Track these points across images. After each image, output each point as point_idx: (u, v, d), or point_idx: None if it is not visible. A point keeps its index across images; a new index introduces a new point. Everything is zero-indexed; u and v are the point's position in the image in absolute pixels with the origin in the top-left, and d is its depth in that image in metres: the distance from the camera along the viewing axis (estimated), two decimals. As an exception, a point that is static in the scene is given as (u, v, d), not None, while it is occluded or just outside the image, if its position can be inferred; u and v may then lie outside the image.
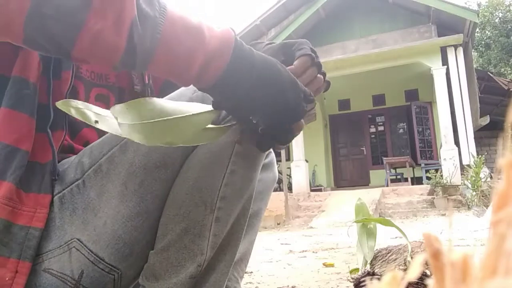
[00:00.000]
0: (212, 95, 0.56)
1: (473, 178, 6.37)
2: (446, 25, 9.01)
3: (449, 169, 7.74)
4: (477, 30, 16.37)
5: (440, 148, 8.54)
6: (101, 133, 0.74)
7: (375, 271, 1.14)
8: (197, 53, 0.50)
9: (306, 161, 9.53)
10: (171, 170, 0.67)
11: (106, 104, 0.84)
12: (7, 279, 0.63)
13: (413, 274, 0.17)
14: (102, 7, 0.46)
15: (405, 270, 0.18)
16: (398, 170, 9.71)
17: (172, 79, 0.53)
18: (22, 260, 0.64)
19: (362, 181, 11.05)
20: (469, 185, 6.45)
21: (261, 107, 0.55)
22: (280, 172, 9.42)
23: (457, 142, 8.22)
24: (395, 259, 1.20)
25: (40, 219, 0.66)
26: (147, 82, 0.92)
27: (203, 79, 0.52)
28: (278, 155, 9.10)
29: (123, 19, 0.47)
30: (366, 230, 1.39)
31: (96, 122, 0.53)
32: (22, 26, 0.46)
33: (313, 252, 3.11)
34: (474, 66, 10.34)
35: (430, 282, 0.18)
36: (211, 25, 0.53)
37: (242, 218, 0.72)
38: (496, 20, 22.32)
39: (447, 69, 8.42)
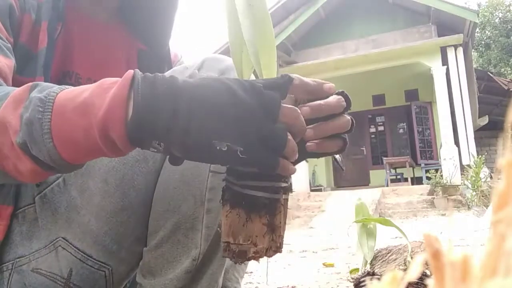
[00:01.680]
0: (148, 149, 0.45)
1: (473, 178, 6.37)
2: (446, 25, 9.01)
3: (449, 169, 7.73)
4: (477, 30, 16.37)
5: (440, 148, 8.54)
6: None
7: (375, 271, 1.14)
8: (92, 132, 0.44)
9: (306, 161, 9.52)
10: (152, 162, 0.66)
11: None
12: None
13: (413, 274, 0.17)
14: None
15: (405, 270, 0.18)
16: (398, 170, 9.71)
17: (90, 159, 0.50)
18: None
19: (362, 181, 11.05)
20: (469, 185, 6.45)
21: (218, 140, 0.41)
22: (280, 172, 9.41)
23: (457, 142, 8.22)
24: (395, 259, 1.20)
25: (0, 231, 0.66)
26: None
27: (117, 148, 0.45)
28: (278, 155, 9.09)
29: (13, 146, 0.47)
30: (366, 230, 1.39)
31: None
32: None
33: (313, 252, 3.11)
34: (474, 66, 10.34)
35: (430, 282, 0.18)
36: (110, 83, 0.45)
37: None
38: (496, 20, 22.32)
39: (447, 69, 8.42)
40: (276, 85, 0.46)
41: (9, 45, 0.67)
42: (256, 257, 0.46)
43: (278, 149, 0.43)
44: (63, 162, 0.46)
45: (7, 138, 0.47)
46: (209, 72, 0.65)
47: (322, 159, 11.53)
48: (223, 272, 0.74)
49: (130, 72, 0.44)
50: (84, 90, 0.46)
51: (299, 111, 0.46)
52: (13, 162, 0.48)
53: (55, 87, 0.47)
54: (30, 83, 0.49)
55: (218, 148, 0.41)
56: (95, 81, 0.77)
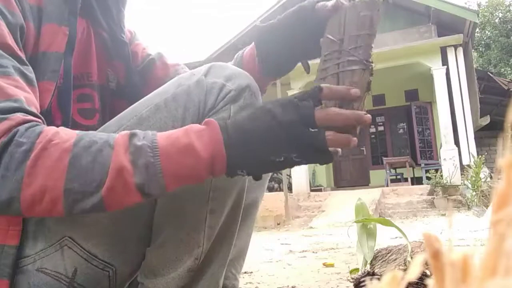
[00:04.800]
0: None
1: (473, 178, 6.36)
2: (446, 25, 9.01)
3: (449, 169, 7.73)
4: (477, 30, 16.36)
5: (440, 148, 8.53)
6: None
7: (375, 271, 1.14)
8: (198, 168, 0.57)
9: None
10: None
11: (91, 102, 0.83)
12: None
13: (413, 274, 0.17)
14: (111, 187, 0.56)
15: (405, 270, 0.18)
16: (398, 170, 9.70)
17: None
18: (0, 278, 0.64)
19: (362, 181, 11.04)
20: (469, 185, 6.44)
21: (276, 154, 0.58)
22: (280, 172, 9.42)
23: (457, 142, 8.21)
24: (395, 259, 1.20)
25: (14, 236, 0.66)
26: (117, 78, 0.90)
27: (216, 175, 0.59)
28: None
29: (130, 186, 0.56)
30: (366, 230, 1.39)
31: None
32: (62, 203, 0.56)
33: (313, 252, 3.11)
34: (474, 66, 10.34)
35: (430, 282, 0.18)
36: (196, 131, 0.58)
37: (236, 208, 0.72)
38: (496, 20, 22.32)
39: (447, 69, 8.42)
40: (308, 96, 0.59)
41: (30, 68, 0.66)
42: None
43: (322, 148, 0.57)
44: (165, 193, 0.58)
45: (122, 179, 0.56)
46: (215, 79, 0.67)
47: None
48: (224, 273, 0.75)
49: (215, 123, 0.58)
50: (179, 136, 0.57)
51: (330, 111, 0.58)
52: (120, 198, 0.57)
53: (151, 135, 0.58)
54: (128, 132, 0.58)
55: (277, 160, 0.57)
56: (88, 77, 0.79)
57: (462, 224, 4.28)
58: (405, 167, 9.13)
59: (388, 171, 9.23)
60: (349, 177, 11.37)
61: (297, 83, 9.45)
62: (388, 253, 1.27)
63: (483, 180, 6.37)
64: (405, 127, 11.23)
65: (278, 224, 6.80)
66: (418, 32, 9.40)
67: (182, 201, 0.68)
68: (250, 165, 0.58)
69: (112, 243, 0.68)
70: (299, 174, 9.09)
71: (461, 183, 7.12)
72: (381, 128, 11.58)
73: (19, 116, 0.58)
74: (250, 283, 1.95)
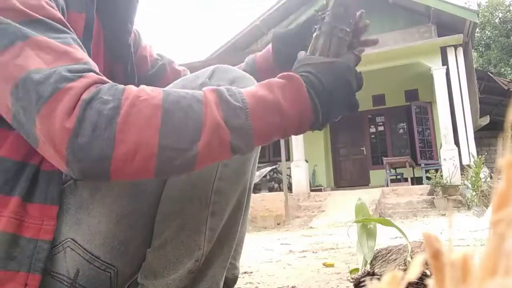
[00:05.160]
0: None
1: (473, 178, 6.36)
2: (446, 25, 9.01)
3: (449, 169, 7.73)
4: (477, 30, 16.36)
5: (440, 148, 8.53)
6: None
7: (375, 271, 1.14)
8: (285, 126, 0.60)
9: (306, 161, 9.52)
10: None
11: None
12: None
13: (413, 274, 0.17)
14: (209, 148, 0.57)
15: (405, 270, 0.18)
16: (398, 170, 9.70)
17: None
18: (32, 273, 0.63)
19: (362, 181, 11.04)
20: (469, 185, 6.44)
21: (339, 100, 0.65)
22: (280, 172, 9.42)
23: (457, 142, 8.21)
24: (395, 259, 1.20)
25: (48, 231, 0.65)
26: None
27: (300, 131, 0.63)
28: (278, 155, 9.10)
29: (225, 144, 0.57)
30: (366, 230, 1.39)
31: None
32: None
33: (313, 252, 3.11)
34: (474, 66, 10.33)
35: (430, 282, 0.18)
36: (280, 86, 0.60)
37: (237, 211, 0.73)
38: (496, 20, 22.31)
39: (447, 69, 8.42)
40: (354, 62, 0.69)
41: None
42: None
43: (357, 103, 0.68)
44: (252, 150, 0.62)
45: (218, 137, 0.56)
46: (219, 81, 0.68)
47: (322, 160, 11.50)
48: (224, 274, 0.75)
49: (298, 78, 0.61)
50: (264, 94, 0.59)
51: None
52: (214, 155, 0.58)
53: (237, 93, 0.59)
54: (214, 88, 0.59)
55: (345, 109, 0.66)
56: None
57: (462, 224, 4.28)
58: (405, 167, 9.13)
59: (388, 171, 9.23)
60: (349, 177, 11.36)
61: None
62: (388, 253, 1.27)
63: (483, 180, 6.37)
64: (405, 127, 11.23)
65: (278, 224, 6.80)
66: (418, 32, 9.40)
67: (183, 203, 0.68)
68: (328, 117, 0.64)
69: (115, 245, 0.68)
70: (299, 174, 9.09)
71: (461, 183, 7.12)
72: (381, 128, 11.58)
73: (94, 75, 0.56)
74: (250, 283, 1.95)
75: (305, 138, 9.48)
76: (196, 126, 0.55)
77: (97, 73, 0.58)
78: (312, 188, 9.73)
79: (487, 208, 5.51)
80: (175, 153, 0.54)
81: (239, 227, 0.75)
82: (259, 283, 1.95)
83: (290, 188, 8.62)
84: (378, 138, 11.61)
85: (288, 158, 9.90)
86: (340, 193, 8.46)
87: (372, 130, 11.65)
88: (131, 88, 0.57)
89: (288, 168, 9.09)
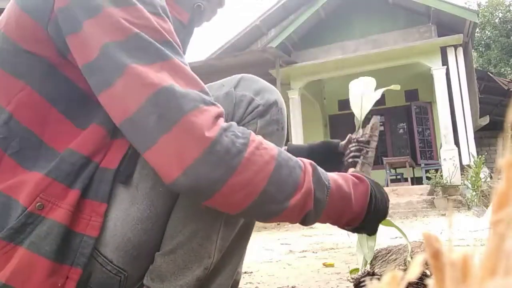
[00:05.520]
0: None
1: (473, 178, 6.36)
2: (446, 25, 9.01)
3: (449, 169, 7.73)
4: (477, 30, 16.36)
5: (440, 148, 8.53)
6: None
7: (375, 271, 1.14)
8: (345, 215, 0.69)
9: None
10: None
11: None
12: (59, 285, 0.62)
13: (413, 274, 0.17)
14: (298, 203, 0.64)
15: (405, 270, 0.18)
16: (398, 170, 9.69)
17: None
18: (74, 266, 0.64)
19: (362, 181, 11.03)
20: (469, 185, 6.44)
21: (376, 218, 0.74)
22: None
23: (457, 142, 8.21)
24: (395, 259, 1.20)
25: (95, 227, 0.65)
26: None
27: (350, 225, 0.72)
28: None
29: (306, 209, 0.65)
30: (366, 230, 1.39)
31: None
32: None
33: (313, 252, 3.11)
34: (474, 66, 10.34)
35: (430, 282, 0.18)
36: (354, 184, 0.70)
37: (249, 223, 0.73)
38: (496, 20, 22.31)
39: (447, 69, 8.42)
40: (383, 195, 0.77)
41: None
42: None
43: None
44: (310, 224, 0.68)
45: (305, 201, 0.64)
46: (245, 91, 0.72)
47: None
48: (231, 283, 0.76)
49: (367, 183, 0.72)
50: (342, 184, 0.68)
51: None
52: (294, 216, 0.65)
53: (325, 173, 0.68)
54: (311, 162, 0.67)
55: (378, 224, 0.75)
56: None
57: (462, 224, 4.28)
58: (405, 167, 9.12)
59: (388, 171, 9.23)
60: (349, 177, 11.35)
61: (297, 83, 9.45)
62: (388, 253, 1.27)
63: (483, 180, 6.37)
64: (405, 127, 11.22)
65: (278, 224, 6.79)
66: (418, 32, 9.39)
67: (198, 211, 0.68)
68: (370, 222, 0.73)
69: (128, 249, 0.68)
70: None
71: (461, 183, 7.12)
72: (381, 128, 11.55)
73: (219, 105, 0.63)
74: (250, 283, 1.95)
75: (305, 138, 9.48)
76: (294, 185, 0.62)
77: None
78: (312, 188, 9.72)
79: (487, 208, 5.51)
80: (270, 200, 0.61)
81: (249, 239, 0.75)
82: (259, 283, 1.95)
83: (290, 188, 8.60)
84: (378, 138, 11.60)
85: (288, 158, 9.88)
86: (340, 193, 8.44)
87: (372, 130, 11.65)
88: (253, 133, 0.64)
89: (288, 168, 9.07)
